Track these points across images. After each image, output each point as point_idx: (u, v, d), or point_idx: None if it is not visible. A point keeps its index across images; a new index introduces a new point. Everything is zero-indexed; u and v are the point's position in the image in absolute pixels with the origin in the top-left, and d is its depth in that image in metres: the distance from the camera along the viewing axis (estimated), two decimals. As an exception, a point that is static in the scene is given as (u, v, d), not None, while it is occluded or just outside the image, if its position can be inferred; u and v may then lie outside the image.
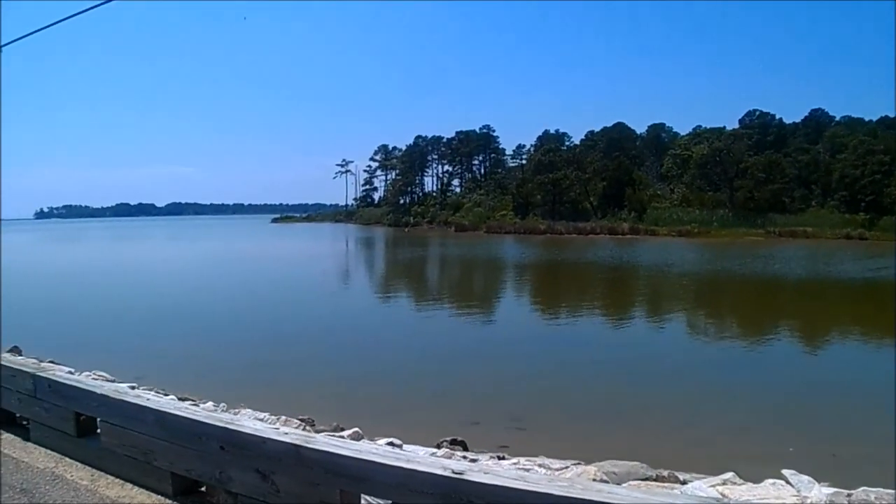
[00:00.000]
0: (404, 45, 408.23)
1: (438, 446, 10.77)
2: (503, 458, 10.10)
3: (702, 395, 17.33)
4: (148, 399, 6.81)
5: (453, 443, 11.22)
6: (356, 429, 10.07)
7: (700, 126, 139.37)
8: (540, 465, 9.46)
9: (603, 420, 14.97)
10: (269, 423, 10.69)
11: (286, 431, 5.55)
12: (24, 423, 8.18)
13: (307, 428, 10.74)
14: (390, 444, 9.02)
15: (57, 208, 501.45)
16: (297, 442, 5.12)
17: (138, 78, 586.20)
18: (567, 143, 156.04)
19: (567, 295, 40.05)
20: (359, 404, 16.02)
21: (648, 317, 31.38)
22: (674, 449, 12.39)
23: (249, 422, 6.00)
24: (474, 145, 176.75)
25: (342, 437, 8.94)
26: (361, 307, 35.64)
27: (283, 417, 11.35)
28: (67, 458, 7.33)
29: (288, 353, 22.70)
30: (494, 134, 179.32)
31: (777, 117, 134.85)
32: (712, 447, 12.81)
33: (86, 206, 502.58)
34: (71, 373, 14.49)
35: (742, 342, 24.83)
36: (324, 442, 5.13)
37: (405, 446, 9.47)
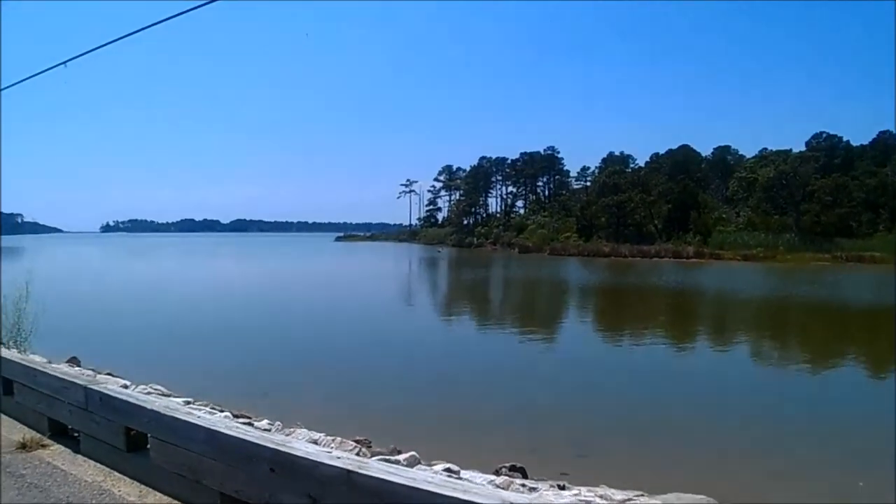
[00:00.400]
0: (469, 65, 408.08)
1: (497, 473, 10.45)
2: (563, 488, 9.75)
3: (770, 424, 16.69)
4: (199, 416, 6.63)
5: (512, 469, 10.89)
6: (413, 452, 9.78)
7: (766, 148, 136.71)
8: (601, 497, 9.08)
9: (668, 448, 14.41)
10: (324, 445, 10.52)
11: (339, 455, 5.29)
12: (76, 434, 8.07)
13: (363, 450, 10.50)
14: (447, 470, 8.72)
15: (122, 222, 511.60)
16: (350, 467, 4.85)
17: (203, 96, 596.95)
18: (632, 165, 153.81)
19: (631, 319, 39.36)
20: (417, 425, 15.74)
21: (713, 343, 30.57)
22: (742, 482, 11.93)
23: (301, 444, 5.74)
24: (539, 166, 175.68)
25: (398, 461, 8.67)
26: (424, 327, 35.51)
27: (339, 439, 11.10)
28: (116, 473, 7.20)
29: (347, 372, 22.56)
30: (559, 155, 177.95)
31: (844, 139, 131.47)
32: (781, 481, 12.28)
33: (151, 221, 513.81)
34: (125, 386, 14.48)
35: (809, 370, 24.01)
36: (377, 468, 4.85)
37: (463, 472, 9.16)
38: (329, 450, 6.08)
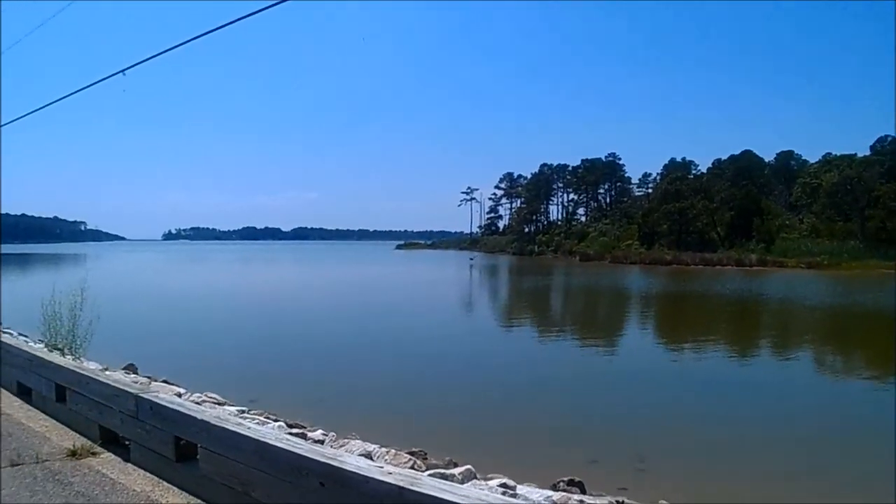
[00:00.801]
0: (529, 72, 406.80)
1: (555, 487, 10.18)
2: (622, 504, 9.44)
3: (835, 440, 16.15)
4: (249, 428, 6.46)
5: (570, 484, 10.61)
6: (469, 466, 9.55)
7: (830, 153, 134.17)
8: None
9: (728, 463, 13.98)
10: (377, 457, 10.34)
11: (390, 471, 5.05)
12: (126, 443, 7.99)
13: (418, 462, 10.30)
14: (503, 485, 8.47)
15: (184, 230, 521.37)
16: (402, 483, 4.62)
17: (264, 104, 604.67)
18: (693, 172, 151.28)
19: (692, 328, 38.72)
20: (474, 436, 15.52)
21: (777, 353, 29.85)
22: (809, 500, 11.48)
23: (352, 458, 5.53)
24: (600, 173, 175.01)
25: (453, 475, 8.46)
26: (482, 335, 35.48)
27: (393, 451, 10.92)
28: (165, 483, 7.09)
29: (404, 379, 22.52)
30: (620, 162, 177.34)
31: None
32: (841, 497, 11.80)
33: (212, 229, 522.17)
34: (179, 394, 14.51)
35: (876, 383, 23.25)
36: (430, 485, 4.61)
37: (519, 487, 8.90)
38: (381, 464, 5.85)
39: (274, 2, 12.09)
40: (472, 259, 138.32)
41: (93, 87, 21.17)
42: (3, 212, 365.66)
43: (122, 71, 18.49)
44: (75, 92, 22.78)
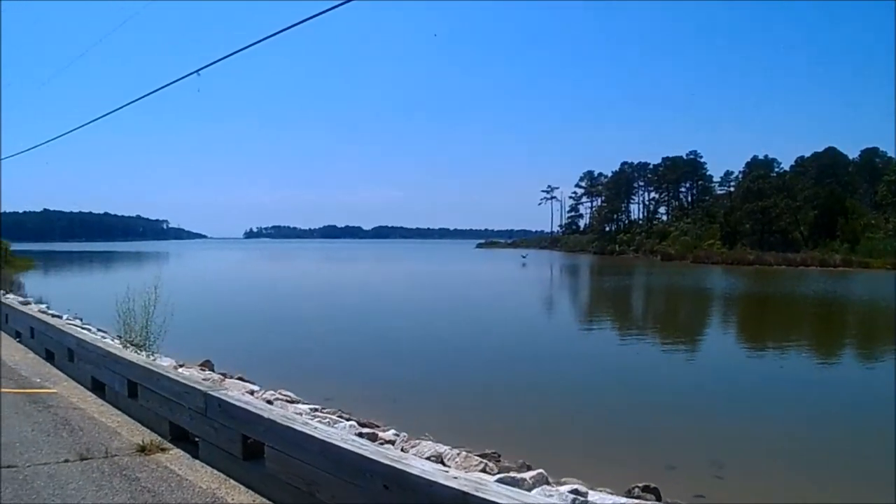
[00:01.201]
0: (609, 68, 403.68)
1: (629, 492, 9.93)
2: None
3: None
4: (315, 427, 6.39)
5: (645, 490, 10.33)
6: (541, 470, 9.32)
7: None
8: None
9: (811, 473, 13.43)
10: (448, 459, 10.21)
11: (455, 475, 4.91)
12: (196, 439, 7.98)
13: (489, 465, 10.15)
14: (574, 491, 8.21)
15: (265, 228, 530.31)
16: (466, 489, 4.46)
17: (347, 102, 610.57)
18: (776, 170, 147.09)
19: (775, 330, 37.85)
20: (550, 438, 15.34)
21: (861, 356, 28.94)
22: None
23: (417, 461, 5.40)
24: (681, 171, 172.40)
25: (524, 479, 8.27)
26: (562, 335, 35.23)
27: (464, 452, 10.76)
28: (232, 480, 7.08)
29: (480, 379, 22.40)
30: (702, 160, 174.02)
31: None
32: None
33: (293, 228, 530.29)
34: (252, 392, 14.59)
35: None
36: (495, 491, 4.44)
37: (591, 494, 8.63)
38: (446, 468, 5.72)
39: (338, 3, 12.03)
40: (524, 257, 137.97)
41: (168, 87, 21.58)
42: (87, 210, 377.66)
43: (197, 71, 18.75)
44: (152, 93, 23.23)
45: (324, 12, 13.11)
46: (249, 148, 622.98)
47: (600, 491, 9.33)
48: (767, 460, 14.16)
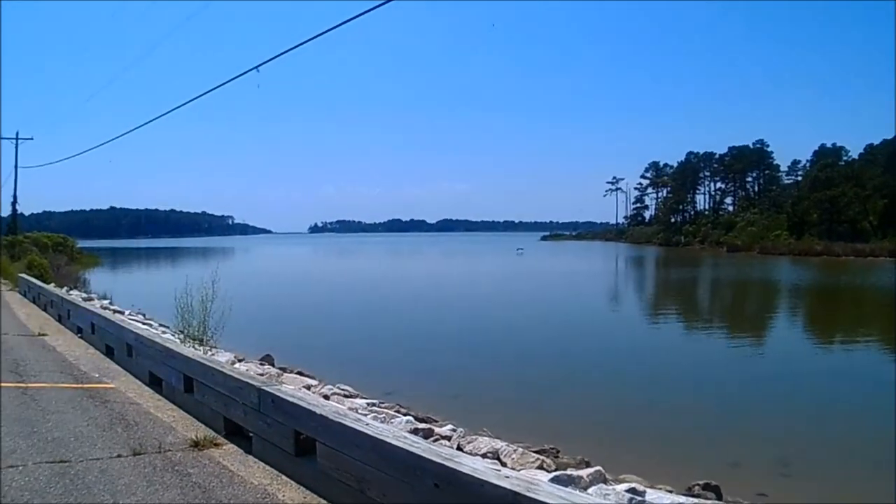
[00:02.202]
0: (673, 56, 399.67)
1: (690, 490, 9.70)
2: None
3: None
4: (367, 424, 6.30)
5: (706, 488, 10.10)
6: (599, 468, 9.16)
7: None
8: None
9: (884, 472, 12.95)
10: (504, 455, 10.10)
11: (507, 475, 4.77)
12: (249, 435, 7.97)
13: (546, 461, 10.03)
14: (631, 490, 8.03)
15: (330, 223, 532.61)
16: (518, 489, 4.33)
17: (416, 94, 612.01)
18: (845, 158, 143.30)
19: (844, 323, 37.30)
20: (612, 434, 15.27)
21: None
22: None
23: (469, 459, 5.27)
24: (747, 161, 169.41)
25: (580, 477, 8.12)
26: (626, 329, 35.20)
27: (521, 448, 10.64)
28: (284, 476, 7.02)
29: (543, 373, 22.31)
30: (769, 149, 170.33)
31: None
32: None
33: (358, 222, 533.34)
34: (310, 386, 14.61)
35: None
36: (546, 491, 4.30)
37: (649, 493, 8.44)
38: (499, 468, 5.59)
39: None
40: (520, 250, 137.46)
41: (229, 83, 21.80)
42: (153, 207, 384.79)
43: (256, 67, 18.90)
44: (213, 89, 23.52)
45: (381, 4, 13.08)
46: (314, 144, 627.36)
47: (659, 489, 9.14)
48: (838, 460, 13.79)
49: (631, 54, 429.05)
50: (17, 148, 64.07)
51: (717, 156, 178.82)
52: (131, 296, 39.81)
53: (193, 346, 14.39)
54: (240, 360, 17.93)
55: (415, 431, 10.21)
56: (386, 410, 13.64)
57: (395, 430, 6.63)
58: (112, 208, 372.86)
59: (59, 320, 20.56)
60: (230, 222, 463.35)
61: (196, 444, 7.92)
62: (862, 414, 17.54)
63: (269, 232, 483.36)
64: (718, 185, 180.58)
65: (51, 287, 27.41)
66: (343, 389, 16.02)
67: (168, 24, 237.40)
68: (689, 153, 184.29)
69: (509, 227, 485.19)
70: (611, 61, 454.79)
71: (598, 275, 78.13)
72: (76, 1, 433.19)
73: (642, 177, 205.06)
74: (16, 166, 64.89)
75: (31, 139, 65.79)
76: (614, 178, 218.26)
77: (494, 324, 34.74)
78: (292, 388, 9.48)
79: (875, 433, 15.64)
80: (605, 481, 8.57)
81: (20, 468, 7.04)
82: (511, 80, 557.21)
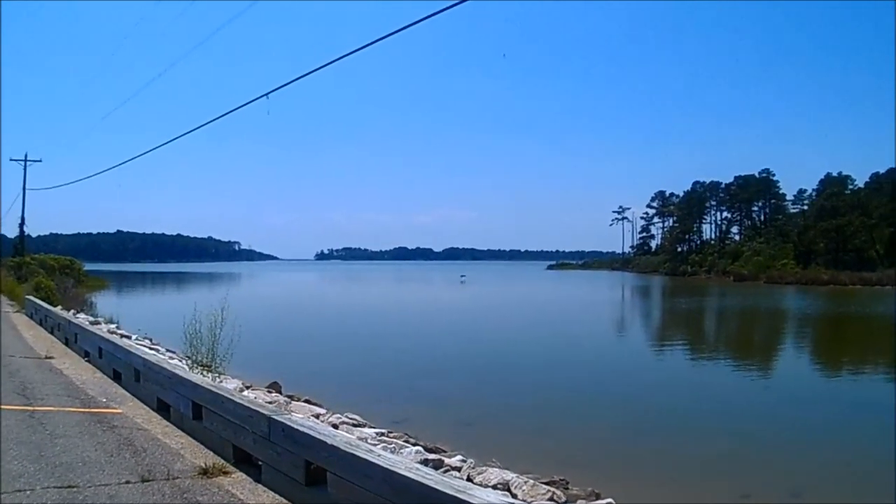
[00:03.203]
0: (678, 86, 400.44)
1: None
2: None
3: None
4: (379, 455, 6.25)
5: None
6: (610, 500, 9.09)
7: None
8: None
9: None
10: (515, 487, 10.00)
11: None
12: (259, 463, 7.92)
13: (557, 493, 9.94)
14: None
15: (337, 250, 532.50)
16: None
17: (416, 123, 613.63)
18: (851, 187, 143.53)
19: (854, 353, 37.16)
20: (622, 463, 15.23)
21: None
22: None
23: (482, 492, 5.22)
24: (753, 190, 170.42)
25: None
26: (633, 360, 35.14)
27: (531, 480, 10.56)
28: (293, 506, 6.92)
29: (551, 403, 22.21)
30: (774, 178, 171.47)
31: None
32: None
33: (364, 249, 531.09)
34: (318, 415, 14.55)
35: None
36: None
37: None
38: (510, 500, 5.54)
39: (416, 21, 12.04)
40: (462, 277, 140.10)
41: (239, 110, 21.94)
42: (160, 232, 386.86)
43: (266, 94, 19.02)
44: (223, 115, 23.67)
45: (388, 36, 13.15)
46: (322, 170, 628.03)
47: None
48: (851, 490, 13.68)
49: (636, 83, 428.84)
50: (25, 169, 64.62)
51: (722, 185, 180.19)
52: (137, 320, 39.87)
53: (201, 373, 14.36)
54: (247, 388, 17.89)
55: (425, 462, 10.16)
56: (395, 440, 13.59)
57: (407, 461, 6.59)
58: (119, 232, 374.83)
59: (67, 343, 20.53)
60: (236, 248, 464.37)
61: (205, 472, 7.85)
62: (878, 445, 17.39)
63: (275, 258, 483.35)
64: (724, 214, 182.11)
65: (58, 310, 27.47)
66: (352, 419, 15.95)
67: (177, 49, 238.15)
68: (696, 182, 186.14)
69: (515, 255, 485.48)
70: (617, 90, 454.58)
71: (606, 305, 78.00)
72: (87, 25, 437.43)
73: (648, 206, 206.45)
74: (24, 188, 65.35)
75: (40, 161, 66.37)
76: (620, 207, 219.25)
77: (504, 351, 34.72)
78: (301, 417, 9.43)
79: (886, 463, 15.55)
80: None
81: (28, 492, 6.97)
82: (515, 108, 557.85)
